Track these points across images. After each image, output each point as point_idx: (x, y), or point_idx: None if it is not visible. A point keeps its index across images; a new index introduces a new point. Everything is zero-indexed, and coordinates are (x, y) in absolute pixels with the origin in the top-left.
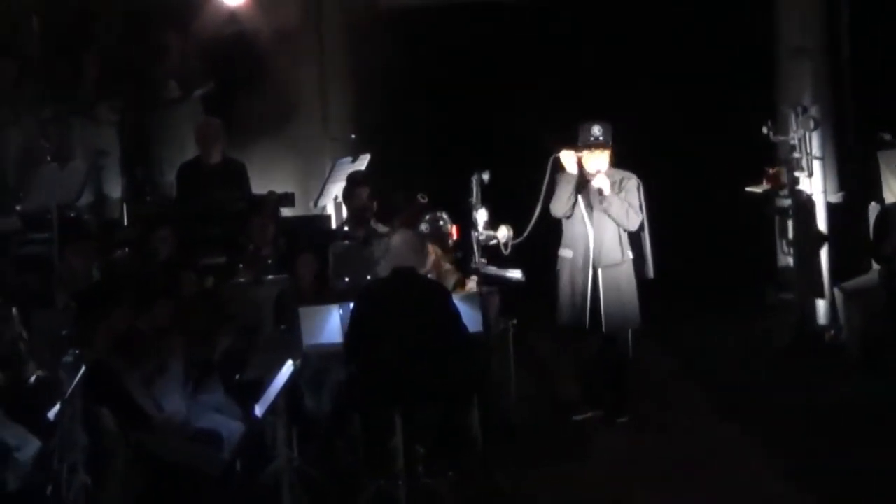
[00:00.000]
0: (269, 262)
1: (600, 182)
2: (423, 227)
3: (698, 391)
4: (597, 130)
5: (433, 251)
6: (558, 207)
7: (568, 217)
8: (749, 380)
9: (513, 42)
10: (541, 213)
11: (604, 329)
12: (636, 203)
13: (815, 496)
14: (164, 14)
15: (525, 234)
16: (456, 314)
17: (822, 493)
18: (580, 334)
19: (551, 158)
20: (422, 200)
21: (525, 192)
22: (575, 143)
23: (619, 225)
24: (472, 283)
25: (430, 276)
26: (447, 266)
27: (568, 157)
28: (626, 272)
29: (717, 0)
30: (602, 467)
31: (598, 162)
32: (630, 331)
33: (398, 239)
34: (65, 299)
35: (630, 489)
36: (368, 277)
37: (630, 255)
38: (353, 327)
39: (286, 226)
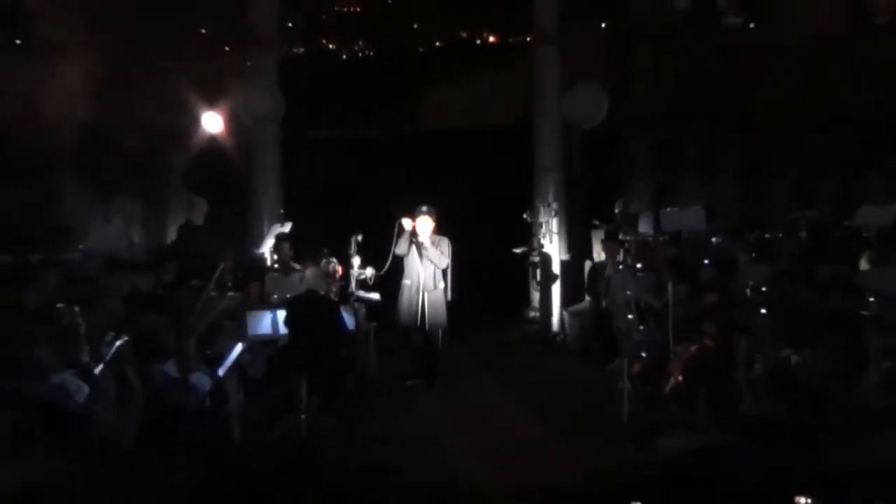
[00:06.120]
0: (230, 283)
1: (424, 240)
2: (324, 266)
3: (483, 371)
4: (424, 208)
5: (335, 280)
6: (400, 251)
7: (406, 256)
8: (513, 365)
9: (378, 162)
10: (392, 259)
11: (427, 328)
12: (447, 252)
13: (550, 430)
14: None
15: (384, 269)
16: (341, 318)
17: (554, 429)
18: (412, 331)
19: (397, 223)
20: (322, 251)
21: (383, 248)
22: (411, 214)
23: (434, 265)
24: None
25: (332, 294)
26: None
27: (407, 222)
28: (441, 294)
29: (496, 136)
30: (423, 415)
31: (425, 226)
32: (440, 330)
33: (310, 273)
34: None
35: (440, 428)
36: (288, 295)
37: (442, 284)
38: (286, 324)
39: (241, 263)
